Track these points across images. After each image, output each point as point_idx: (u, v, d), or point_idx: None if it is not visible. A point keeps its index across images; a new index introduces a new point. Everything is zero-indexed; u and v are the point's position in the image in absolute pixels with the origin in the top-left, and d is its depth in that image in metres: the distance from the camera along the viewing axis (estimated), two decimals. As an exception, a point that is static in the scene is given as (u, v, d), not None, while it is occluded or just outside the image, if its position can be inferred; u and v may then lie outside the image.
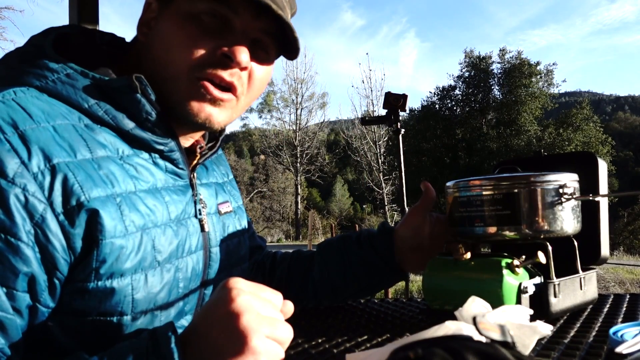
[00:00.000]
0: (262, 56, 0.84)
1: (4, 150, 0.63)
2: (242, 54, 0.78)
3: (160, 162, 0.81)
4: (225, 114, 0.82)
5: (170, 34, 0.78)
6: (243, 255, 0.99)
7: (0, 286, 0.62)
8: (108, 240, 0.69)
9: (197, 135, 0.91)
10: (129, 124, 0.76)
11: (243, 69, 0.80)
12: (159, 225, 0.76)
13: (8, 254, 0.62)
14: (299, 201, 33.29)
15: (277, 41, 0.85)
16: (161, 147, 0.79)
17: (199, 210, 0.85)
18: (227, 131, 0.99)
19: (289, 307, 0.65)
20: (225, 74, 0.78)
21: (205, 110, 0.79)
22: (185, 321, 0.83)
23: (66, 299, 0.69)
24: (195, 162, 0.89)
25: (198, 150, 0.90)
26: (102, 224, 0.68)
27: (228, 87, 0.80)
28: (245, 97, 0.84)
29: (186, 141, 0.88)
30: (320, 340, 0.90)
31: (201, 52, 0.77)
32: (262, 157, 38.35)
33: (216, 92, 0.79)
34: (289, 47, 0.85)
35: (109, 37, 0.89)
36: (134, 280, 0.72)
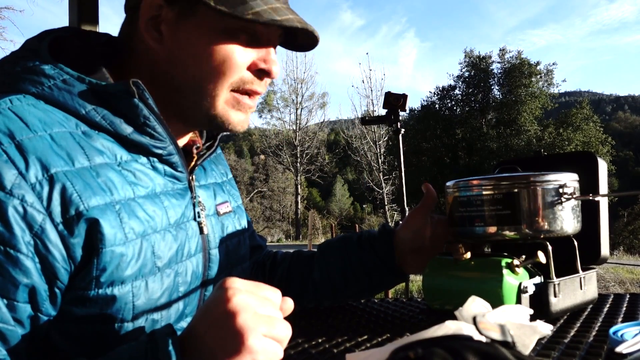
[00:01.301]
0: None
1: (1, 161, 0.63)
2: (277, 66, 0.84)
3: (159, 166, 0.80)
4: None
5: (206, 50, 0.79)
6: (243, 254, 0.99)
7: (1, 298, 0.62)
8: (108, 248, 0.68)
9: (190, 134, 0.91)
10: (127, 129, 0.76)
11: None
12: (158, 231, 0.76)
13: (8, 265, 0.62)
14: (299, 201, 33.28)
15: None
16: (160, 151, 0.79)
17: (198, 213, 0.85)
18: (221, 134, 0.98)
19: (289, 305, 0.65)
20: (261, 88, 0.85)
21: (242, 120, 0.85)
22: (185, 323, 0.83)
23: (67, 306, 0.69)
24: (193, 163, 0.89)
25: (194, 151, 0.90)
26: (102, 233, 0.68)
27: (258, 94, 0.86)
28: None
29: (181, 140, 0.89)
30: (320, 340, 0.90)
31: (241, 69, 0.81)
32: (262, 157, 38.35)
33: (251, 103, 0.85)
34: (292, 42, 0.90)
35: (105, 38, 0.88)
36: (135, 287, 0.72)
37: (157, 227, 0.76)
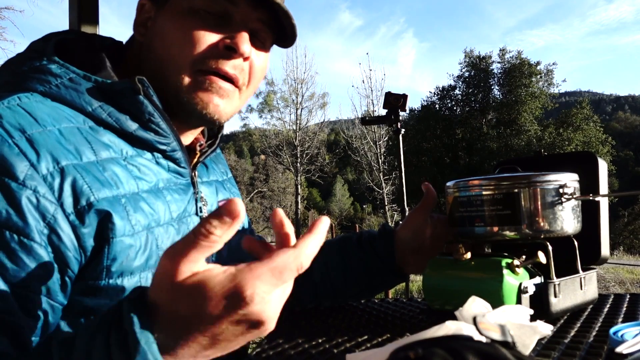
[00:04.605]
0: (260, 46, 0.87)
1: (12, 153, 0.64)
2: (245, 44, 0.80)
3: (163, 161, 0.82)
4: (231, 105, 0.85)
5: (170, 31, 0.80)
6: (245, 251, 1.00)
7: (14, 287, 0.62)
8: (118, 238, 0.70)
9: (197, 132, 0.92)
10: (132, 126, 0.77)
11: (246, 59, 0.82)
12: (161, 225, 0.78)
13: (22, 254, 0.63)
14: (299, 201, 33.25)
15: (272, 30, 0.87)
16: (164, 147, 0.81)
17: (200, 208, 0.87)
18: (227, 131, 1.00)
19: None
20: (229, 67, 0.81)
21: (213, 102, 0.82)
22: None
23: (78, 297, 0.70)
24: (195, 160, 0.90)
25: (198, 148, 0.91)
26: (113, 223, 0.69)
27: (230, 80, 0.82)
28: (247, 87, 0.86)
29: (186, 139, 0.90)
30: (320, 340, 0.90)
31: (203, 46, 0.79)
32: (262, 157, 38.37)
33: (221, 83, 0.81)
34: (284, 35, 0.88)
35: (109, 41, 0.91)
36: (142, 278, 0.74)
37: (161, 220, 0.78)
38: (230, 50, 0.80)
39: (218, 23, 0.80)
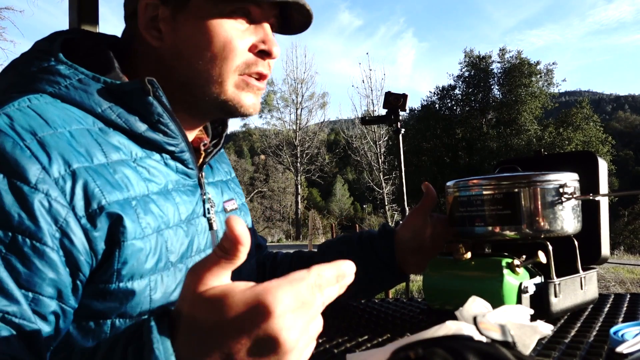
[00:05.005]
0: None
1: (24, 157, 0.64)
2: (277, 47, 0.85)
3: (171, 162, 0.82)
4: (260, 99, 0.89)
5: (203, 38, 0.80)
6: (250, 251, 1.00)
7: (27, 291, 0.62)
8: (129, 241, 0.70)
9: (197, 130, 0.92)
10: (141, 127, 0.77)
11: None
12: (171, 227, 0.77)
13: (34, 258, 0.62)
14: (299, 201, 33.30)
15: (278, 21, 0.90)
16: (172, 148, 0.81)
17: (208, 209, 0.87)
18: (227, 131, 1.00)
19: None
20: (265, 69, 0.85)
21: (254, 102, 0.87)
22: None
23: (87, 300, 0.70)
24: (201, 160, 0.90)
25: (202, 148, 0.91)
26: (124, 226, 0.69)
27: (264, 77, 0.87)
28: None
29: (190, 136, 0.90)
30: (320, 340, 0.90)
31: (243, 52, 0.82)
32: (262, 157, 38.43)
33: (260, 84, 0.86)
34: (287, 25, 0.91)
35: (113, 40, 0.90)
36: (152, 281, 0.73)
37: (170, 222, 0.78)
38: (265, 54, 0.84)
39: (247, 26, 0.83)
